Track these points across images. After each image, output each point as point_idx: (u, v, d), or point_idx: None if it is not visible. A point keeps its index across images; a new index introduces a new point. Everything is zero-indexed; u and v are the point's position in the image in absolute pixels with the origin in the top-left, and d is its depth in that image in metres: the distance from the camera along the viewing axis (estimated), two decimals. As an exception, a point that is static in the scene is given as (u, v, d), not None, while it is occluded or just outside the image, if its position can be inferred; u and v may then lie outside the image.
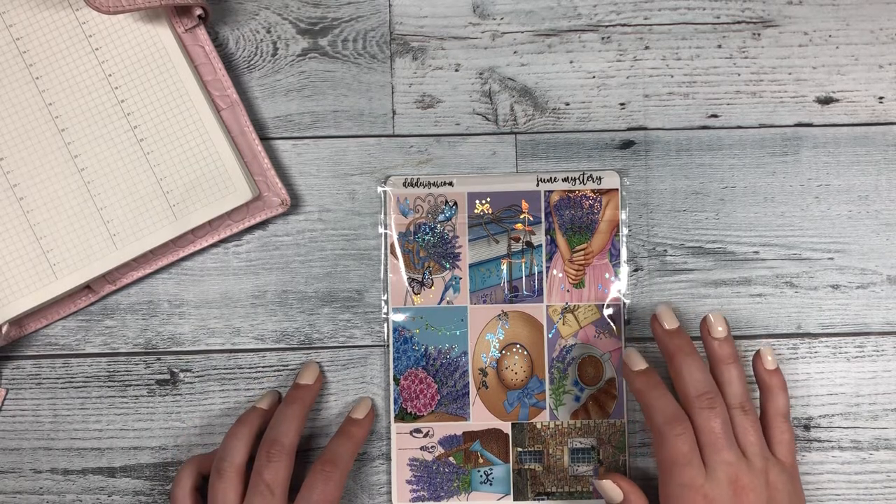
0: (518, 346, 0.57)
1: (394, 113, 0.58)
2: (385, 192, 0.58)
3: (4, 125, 0.55)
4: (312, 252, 0.58)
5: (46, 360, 0.58)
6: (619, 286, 0.58)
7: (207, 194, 0.56)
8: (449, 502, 0.57)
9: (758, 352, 0.54)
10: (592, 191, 0.58)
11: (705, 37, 0.58)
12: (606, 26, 0.58)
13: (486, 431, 0.57)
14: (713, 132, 0.58)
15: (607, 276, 0.58)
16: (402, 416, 0.57)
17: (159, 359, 0.58)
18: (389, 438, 0.57)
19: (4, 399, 0.57)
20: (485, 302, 0.57)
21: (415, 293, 0.57)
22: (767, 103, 0.58)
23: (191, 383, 0.58)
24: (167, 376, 0.58)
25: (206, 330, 0.58)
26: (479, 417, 0.57)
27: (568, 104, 0.58)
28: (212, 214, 0.56)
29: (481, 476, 0.57)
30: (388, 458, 0.57)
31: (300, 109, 0.58)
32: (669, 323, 0.53)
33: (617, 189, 0.58)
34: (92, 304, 0.57)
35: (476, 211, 0.58)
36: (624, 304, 0.58)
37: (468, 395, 0.57)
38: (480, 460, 0.57)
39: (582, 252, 0.58)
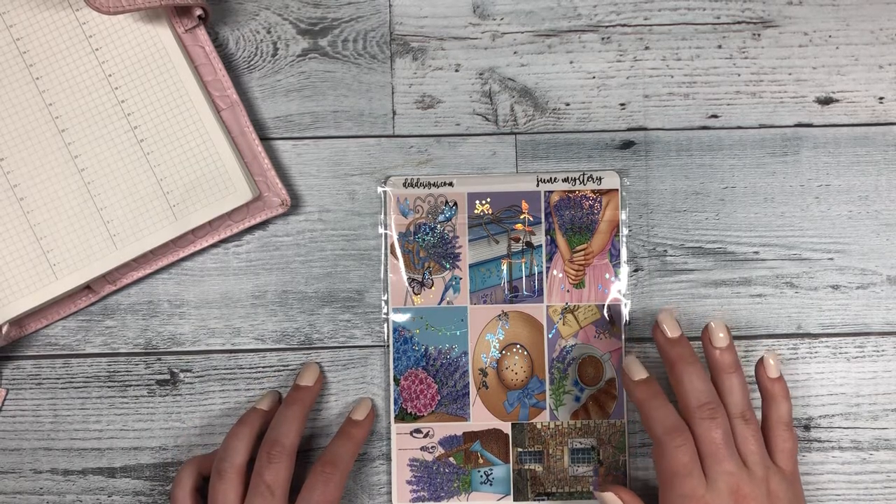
0: (518, 346, 0.57)
1: (394, 113, 0.58)
2: (385, 192, 0.58)
3: (5, 125, 0.55)
4: (312, 252, 0.58)
5: (46, 361, 0.58)
6: (619, 286, 0.58)
7: (207, 194, 0.56)
8: (449, 503, 0.57)
9: (761, 359, 0.54)
10: (592, 191, 0.58)
11: (705, 37, 0.58)
12: (606, 26, 0.58)
13: (486, 432, 0.57)
14: (713, 132, 0.58)
15: (607, 276, 0.58)
16: (403, 416, 0.57)
17: (159, 359, 0.58)
18: (389, 439, 0.57)
19: (4, 399, 0.57)
20: (485, 302, 0.57)
21: (415, 293, 0.57)
22: (767, 103, 0.58)
23: (191, 383, 0.58)
24: (167, 376, 0.58)
25: (206, 330, 0.58)
26: (480, 418, 0.57)
27: (568, 104, 0.58)
28: (212, 215, 0.56)
29: (481, 476, 0.57)
30: (389, 459, 0.57)
31: (300, 110, 0.58)
32: (672, 331, 0.53)
33: (617, 189, 0.58)
34: (92, 304, 0.57)
35: (476, 211, 0.58)
36: (624, 304, 0.58)
37: (468, 395, 0.57)
38: (480, 460, 0.57)
39: (582, 252, 0.58)
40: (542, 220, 0.58)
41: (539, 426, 0.57)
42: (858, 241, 0.58)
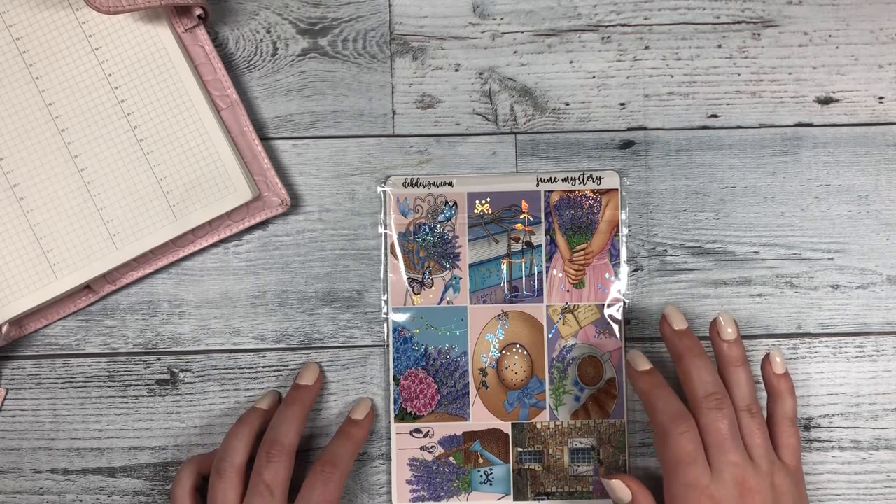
0: (518, 346, 0.57)
1: (394, 113, 0.58)
2: (385, 192, 0.58)
3: (4, 125, 0.55)
4: (312, 252, 0.58)
5: (46, 360, 0.58)
6: (619, 286, 0.58)
7: (207, 194, 0.56)
8: (449, 502, 0.57)
9: (767, 355, 0.54)
10: (592, 191, 0.58)
11: (705, 37, 0.58)
12: (606, 26, 0.58)
13: (486, 431, 0.57)
14: (713, 132, 0.58)
15: (607, 276, 0.58)
16: (402, 416, 0.57)
17: (159, 359, 0.58)
18: (389, 438, 0.57)
19: (4, 399, 0.57)
20: (485, 302, 0.57)
21: (415, 293, 0.57)
22: (767, 103, 0.58)
23: (191, 383, 0.58)
24: (167, 376, 0.58)
25: (206, 330, 0.58)
26: (479, 417, 0.57)
27: (568, 104, 0.58)
28: (212, 214, 0.56)
29: (481, 476, 0.57)
30: (388, 458, 0.57)
31: (300, 109, 0.58)
32: (678, 324, 0.53)
33: (617, 189, 0.58)
34: (92, 304, 0.57)
35: (476, 211, 0.58)
36: (624, 304, 0.58)
37: (468, 395, 0.57)
38: (480, 460, 0.57)
39: (582, 252, 0.58)
40: (542, 219, 0.58)
41: (539, 426, 0.57)
42: (858, 241, 0.58)
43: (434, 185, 0.58)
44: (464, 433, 0.57)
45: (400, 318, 0.57)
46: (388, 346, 0.57)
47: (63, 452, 0.57)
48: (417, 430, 0.57)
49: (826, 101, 0.58)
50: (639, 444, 0.58)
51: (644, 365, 0.53)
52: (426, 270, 0.58)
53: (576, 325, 0.57)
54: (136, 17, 0.55)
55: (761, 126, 0.58)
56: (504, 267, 0.58)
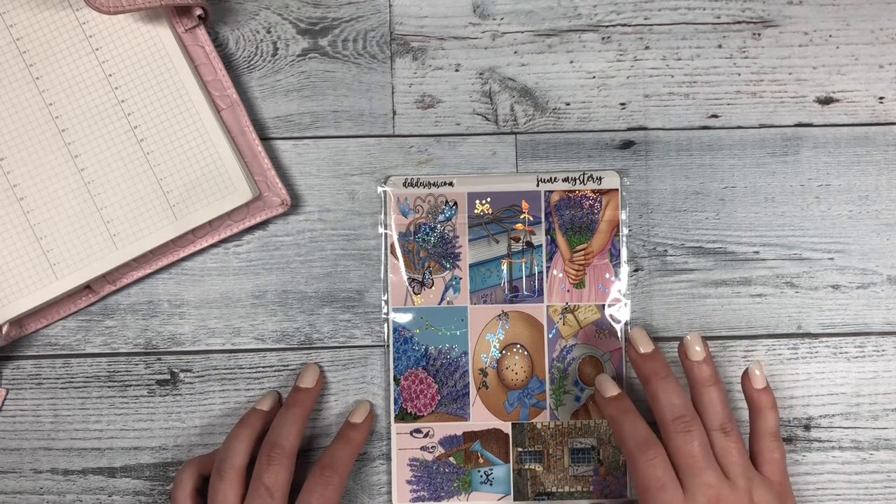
0: (518, 346, 0.57)
1: (394, 113, 0.58)
2: (385, 192, 0.58)
3: (4, 125, 0.55)
4: (312, 252, 0.58)
5: (46, 360, 0.58)
6: (619, 286, 0.58)
7: (207, 194, 0.56)
8: (449, 502, 0.57)
9: (746, 370, 0.54)
10: (592, 191, 0.58)
11: (705, 37, 0.58)
12: (606, 26, 0.58)
13: (486, 431, 0.57)
14: (713, 132, 0.58)
15: (607, 276, 0.58)
16: (403, 416, 0.57)
17: (159, 359, 0.58)
18: (389, 438, 0.57)
19: (4, 399, 0.57)
20: (485, 302, 0.57)
21: (415, 293, 0.57)
22: (767, 103, 0.58)
23: (191, 383, 0.58)
24: (167, 376, 0.58)
25: (206, 330, 0.58)
26: (480, 417, 0.57)
27: (568, 104, 0.58)
28: (212, 214, 0.56)
29: (481, 476, 0.57)
30: (389, 459, 0.57)
31: (300, 109, 0.58)
32: (644, 347, 0.53)
33: (617, 189, 0.58)
34: (92, 304, 0.57)
35: (476, 211, 0.58)
36: (624, 304, 0.58)
37: (468, 395, 0.57)
38: (480, 460, 0.57)
39: (582, 252, 0.58)
40: (542, 219, 0.58)
41: (539, 426, 0.57)
42: (858, 241, 0.58)
43: (434, 185, 0.58)
44: (464, 433, 0.57)
45: (400, 318, 0.57)
46: (388, 346, 0.57)
47: (63, 452, 0.57)
48: (417, 430, 0.57)
49: (826, 101, 0.58)
50: (639, 444, 0.57)
51: (612, 390, 0.52)
52: (426, 270, 0.58)
53: (576, 325, 0.57)
54: (136, 17, 0.55)
55: (761, 126, 0.58)
56: (504, 267, 0.58)
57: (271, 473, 0.52)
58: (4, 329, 0.55)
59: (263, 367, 0.58)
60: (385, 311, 0.58)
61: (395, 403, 0.57)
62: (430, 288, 0.57)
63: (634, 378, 0.57)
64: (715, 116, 0.58)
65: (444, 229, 0.58)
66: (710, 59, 0.58)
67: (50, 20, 0.55)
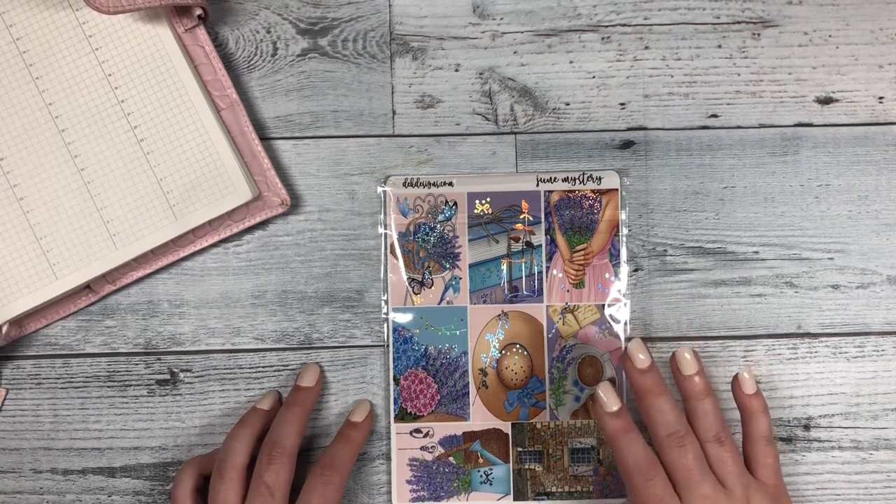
0: (518, 346, 0.57)
1: (394, 113, 0.58)
2: (385, 192, 0.58)
3: (4, 125, 0.55)
4: (312, 252, 0.58)
5: (46, 360, 0.58)
6: (619, 286, 0.58)
7: (207, 194, 0.56)
8: (449, 502, 0.57)
9: (735, 376, 0.54)
10: (592, 191, 0.58)
11: (705, 37, 0.58)
12: (606, 26, 0.58)
13: (486, 431, 0.57)
14: (713, 132, 0.58)
15: (607, 276, 0.58)
16: (402, 416, 0.57)
17: (159, 359, 0.58)
18: (389, 438, 0.57)
19: (4, 399, 0.57)
20: (485, 302, 0.57)
21: (415, 293, 0.57)
22: (767, 103, 0.58)
23: (191, 383, 0.58)
24: (167, 376, 0.58)
25: (206, 330, 0.58)
26: (479, 417, 0.57)
27: (568, 104, 0.58)
28: (212, 214, 0.56)
29: (481, 476, 0.57)
30: (388, 458, 0.57)
31: (300, 109, 0.58)
32: (641, 363, 0.52)
33: (617, 189, 0.58)
34: (92, 304, 0.57)
35: (476, 211, 0.58)
36: (624, 303, 0.58)
37: (468, 395, 0.57)
38: (480, 460, 0.57)
39: (582, 252, 0.58)
40: (542, 219, 0.58)
41: (539, 426, 0.57)
42: (858, 241, 0.58)
43: (434, 185, 0.58)
44: (464, 433, 0.57)
45: (400, 318, 0.57)
46: (388, 346, 0.57)
47: (63, 452, 0.57)
48: (417, 430, 0.57)
49: (826, 101, 0.58)
50: (639, 444, 0.58)
51: (614, 405, 0.52)
52: (426, 270, 0.58)
53: (576, 325, 0.57)
54: (136, 17, 0.55)
55: (761, 126, 0.58)
56: (504, 267, 0.58)
57: (272, 472, 0.52)
58: (4, 329, 0.55)
59: (263, 366, 0.58)
60: (385, 310, 0.58)
61: (395, 403, 0.57)
62: (430, 288, 0.57)
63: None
64: (714, 116, 0.58)
65: (443, 229, 0.58)
66: (710, 59, 0.58)
67: (50, 20, 0.55)
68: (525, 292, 0.57)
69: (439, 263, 0.58)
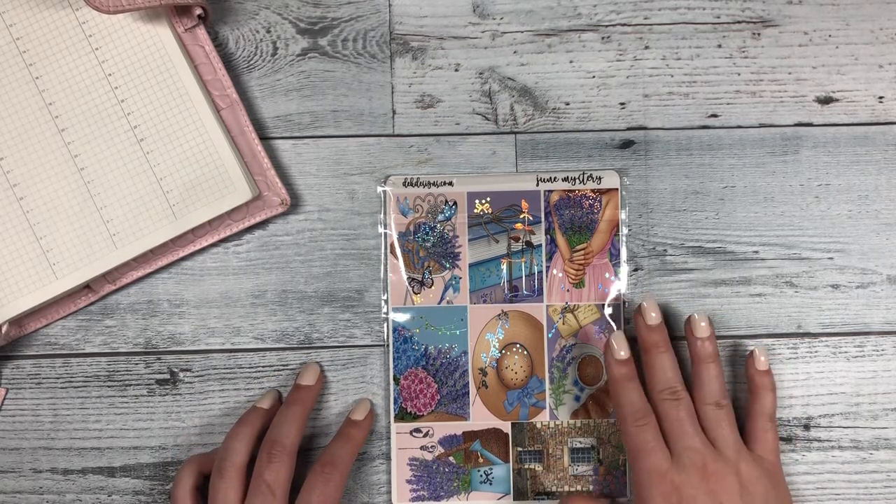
0: (518, 345, 0.57)
1: (394, 113, 0.58)
2: (385, 191, 0.58)
3: (4, 125, 0.55)
4: (312, 252, 0.58)
5: (46, 360, 0.58)
6: (619, 286, 0.58)
7: (207, 194, 0.56)
8: (449, 502, 0.57)
9: (751, 352, 0.55)
10: (592, 190, 0.58)
11: (705, 36, 0.58)
12: (606, 26, 0.58)
13: (486, 431, 0.57)
14: (713, 132, 0.58)
15: (607, 275, 0.58)
16: (402, 415, 0.57)
17: (159, 358, 0.58)
18: (389, 438, 0.57)
19: (4, 399, 0.57)
20: (485, 301, 0.57)
21: (415, 293, 0.57)
22: (767, 103, 0.58)
23: (191, 383, 0.58)
24: (167, 376, 0.58)
25: (205, 330, 0.58)
26: (479, 417, 0.57)
27: (568, 104, 0.58)
28: (212, 214, 0.56)
29: (481, 476, 0.57)
30: (388, 458, 0.57)
31: (300, 109, 0.58)
32: (651, 319, 0.54)
33: (617, 189, 0.58)
34: (92, 303, 0.57)
35: (476, 211, 0.58)
36: (624, 303, 0.58)
37: (468, 394, 0.57)
38: (480, 460, 0.57)
39: (582, 252, 0.58)
40: (542, 219, 0.58)
41: (539, 426, 0.57)
42: (858, 241, 0.58)
43: (434, 184, 0.58)
44: (464, 433, 0.57)
45: (400, 317, 0.57)
46: (388, 345, 0.57)
47: (63, 452, 0.57)
48: (417, 430, 0.57)
49: (826, 100, 0.58)
50: (639, 443, 0.57)
51: (623, 353, 0.54)
52: (426, 270, 0.58)
53: (576, 325, 0.57)
54: (135, 16, 0.55)
55: (761, 126, 0.58)
56: (504, 267, 0.58)
57: (272, 471, 0.52)
58: (4, 328, 0.55)
59: (263, 366, 0.58)
60: (385, 310, 0.58)
61: (395, 403, 0.57)
62: (430, 287, 0.57)
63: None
64: (714, 116, 0.58)
65: (443, 229, 0.58)
66: (710, 58, 0.58)
67: (49, 20, 0.55)
68: (525, 292, 0.57)
69: (439, 263, 0.58)
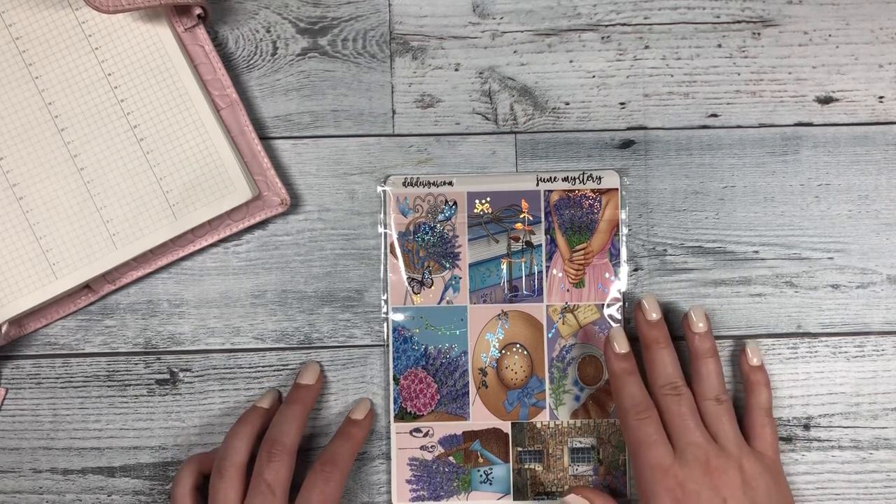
0: (518, 345, 0.57)
1: (394, 112, 0.58)
2: (385, 191, 0.58)
3: (4, 125, 0.55)
4: (312, 252, 0.58)
5: (46, 360, 0.58)
6: (619, 286, 0.58)
7: (207, 194, 0.56)
8: (449, 502, 0.57)
9: (743, 348, 0.55)
10: (592, 190, 0.58)
11: (705, 36, 0.58)
12: (606, 26, 0.58)
13: (485, 431, 0.57)
14: (713, 132, 0.58)
15: (607, 275, 0.58)
16: (402, 415, 0.57)
17: (159, 358, 0.58)
18: (389, 438, 0.57)
19: (4, 399, 0.57)
20: (485, 301, 0.57)
21: (415, 293, 0.57)
22: (767, 103, 0.58)
23: (190, 383, 0.58)
24: (167, 376, 0.58)
25: (205, 329, 0.58)
26: (479, 417, 0.57)
27: (568, 104, 0.58)
28: (211, 214, 0.56)
29: (481, 476, 0.57)
30: (388, 458, 0.57)
31: (300, 109, 0.58)
32: (652, 315, 0.54)
33: (617, 189, 0.58)
34: (92, 303, 0.57)
35: (476, 210, 0.58)
36: (624, 303, 0.58)
37: (468, 394, 0.57)
38: (480, 460, 0.57)
39: (582, 252, 0.58)
40: (542, 219, 0.58)
41: (539, 425, 0.57)
42: (858, 241, 0.58)
43: (434, 184, 0.58)
44: (464, 433, 0.57)
45: (400, 317, 0.57)
46: (387, 345, 0.57)
47: (63, 452, 0.57)
48: (417, 430, 0.57)
49: (826, 100, 0.58)
50: (639, 443, 0.57)
51: (623, 347, 0.54)
52: (426, 270, 0.58)
53: (576, 325, 0.57)
54: (135, 16, 0.55)
55: (761, 126, 0.58)
56: (504, 266, 0.58)
57: (272, 470, 0.52)
58: (4, 328, 0.55)
59: (263, 366, 0.58)
60: (385, 310, 0.58)
61: (395, 403, 0.57)
62: (430, 287, 0.57)
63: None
64: (714, 116, 0.58)
65: (443, 229, 0.58)
66: (710, 58, 0.58)
67: (49, 19, 0.55)
68: (525, 292, 0.57)
69: (439, 263, 0.58)
